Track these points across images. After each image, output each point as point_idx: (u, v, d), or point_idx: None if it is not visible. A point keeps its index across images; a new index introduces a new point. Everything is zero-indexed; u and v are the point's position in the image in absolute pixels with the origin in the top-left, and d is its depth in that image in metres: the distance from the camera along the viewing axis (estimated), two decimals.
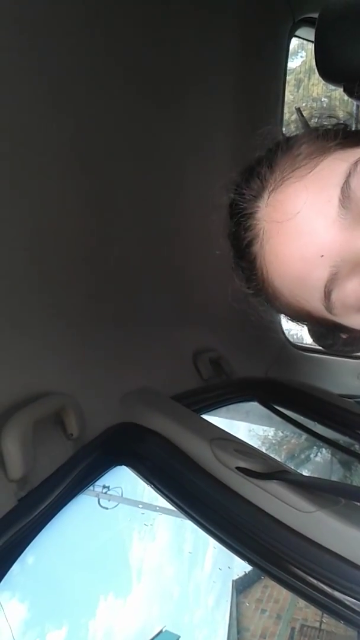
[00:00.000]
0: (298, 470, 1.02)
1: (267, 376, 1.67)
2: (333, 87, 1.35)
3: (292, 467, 1.00)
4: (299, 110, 0.87)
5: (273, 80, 1.62)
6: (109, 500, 1.46)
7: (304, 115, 0.83)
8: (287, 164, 0.69)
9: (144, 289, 1.27)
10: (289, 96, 1.68)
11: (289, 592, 0.84)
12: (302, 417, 1.49)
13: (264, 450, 1.07)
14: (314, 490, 0.87)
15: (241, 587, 1.92)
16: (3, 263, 0.91)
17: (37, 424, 0.84)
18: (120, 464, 1.05)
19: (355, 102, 1.34)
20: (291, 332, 1.80)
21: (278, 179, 0.69)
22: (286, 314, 0.78)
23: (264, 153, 0.74)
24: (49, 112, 0.96)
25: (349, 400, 1.53)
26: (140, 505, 1.51)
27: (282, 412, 1.50)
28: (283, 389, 1.58)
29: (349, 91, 1.28)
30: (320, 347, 0.84)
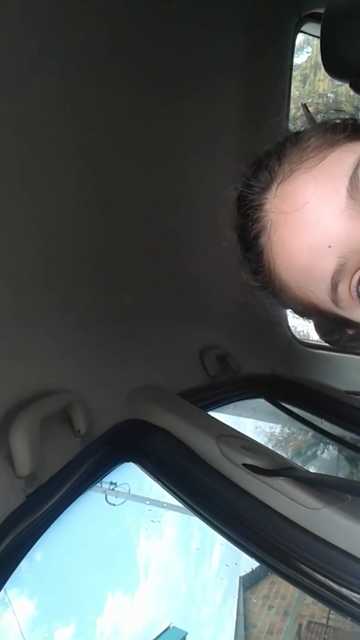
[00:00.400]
0: (305, 467, 1.02)
1: (274, 373, 1.66)
2: (339, 83, 1.34)
3: (299, 464, 1.00)
4: (305, 106, 0.86)
5: (279, 76, 1.62)
6: (116, 497, 1.47)
7: (310, 111, 0.83)
8: (295, 156, 0.69)
9: (151, 287, 1.27)
10: (295, 92, 1.67)
11: (296, 588, 0.84)
12: (308, 414, 1.49)
13: (270, 447, 1.07)
14: (321, 487, 0.87)
15: (248, 583, 1.92)
16: (11, 262, 0.91)
17: (44, 421, 0.84)
18: (128, 461, 1.05)
19: None
20: (297, 329, 1.80)
21: (287, 171, 0.69)
22: (292, 308, 0.78)
23: (273, 146, 0.74)
24: (55, 113, 0.96)
25: (355, 396, 1.52)
26: (148, 502, 1.51)
27: (288, 409, 1.50)
28: (289, 386, 1.58)
29: (355, 86, 1.28)
30: (326, 344, 0.84)
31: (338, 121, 0.73)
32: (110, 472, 1.03)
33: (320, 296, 0.69)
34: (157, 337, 1.28)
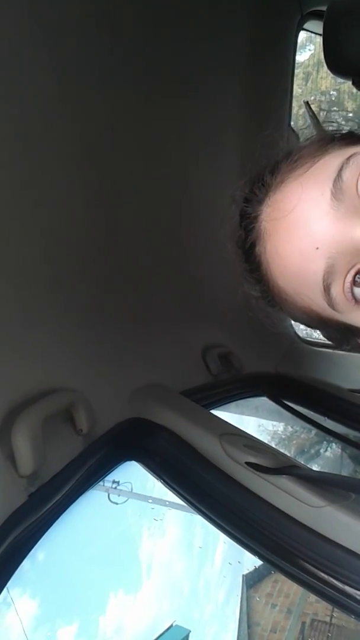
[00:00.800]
0: (308, 465, 1.02)
1: (277, 371, 1.66)
2: (342, 80, 1.34)
3: (302, 462, 1.00)
4: (307, 103, 0.86)
5: (281, 74, 1.61)
6: (118, 496, 1.47)
7: (313, 108, 0.83)
8: (287, 167, 0.71)
9: (153, 286, 1.27)
10: (297, 90, 1.67)
11: (300, 586, 0.84)
12: (311, 412, 1.49)
13: (273, 445, 1.07)
14: (324, 485, 0.87)
15: (251, 581, 1.92)
16: (15, 261, 0.91)
17: (47, 420, 0.84)
18: (130, 459, 1.05)
19: None
20: (300, 327, 1.80)
21: (277, 182, 0.71)
22: (297, 318, 0.79)
23: (270, 162, 0.75)
24: (58, 113, 0.96)
25: (359, 394, 1.52)
26: (150, 500, 1.51)
27: (291, 407, 1.50)
28: (292, 384, 1.58)
29: (357, 84, 1.27)
30: (329, 342, 0.84)
31: (330, 130, 0.74)
32: (112, 470, 1.03)
33: (318, 301, 0.69)
34: (160, 336, 1.28)
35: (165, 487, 1.02)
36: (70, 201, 1.02)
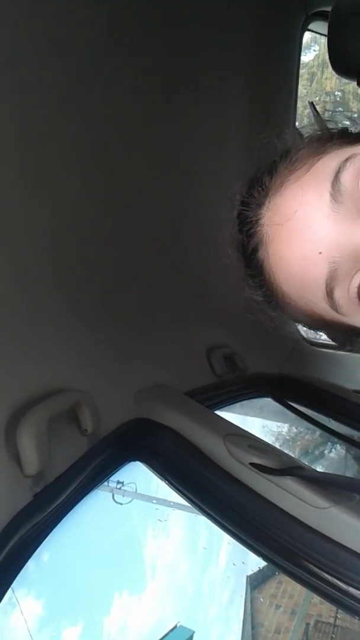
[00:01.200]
0: (312, 466, 1.02)
1: (281, 372, 1.66)
2: (346, 81, 1.34)
3: (306, 463, 0.99)
4: (312, 104, 0.86)
5: (286, 74, 1.61)
6: (123, 496, 1.47)
7: (317, 109, 0.83)
8: (286, 169, 0.71)
9: (158, 286, 1.27)
10: (302, 90, 1.67)
11: (304, 587, 0.84)
12: (316, 413, 1.49)
13: (277, 446, 1.07)
14: (329, 486, 0.87)
15: (255, 582, 1.92)
16: (19, 262, 0.91)
17: (52, 420, 0.84)
18: (134, 460, 1.05)
19: None
20: (304, 328, 1.79)
21: (277, 184, 0.70)
22: (300, 321, 0.78)
23: (266, 164, 0.75)
24: (62, 112, 0.96)
25: None
26: (154, 501, 1.51)
27: (295, 408, 1.49)
28: (297, 385, 1.57)
29: None
30: (333, 343, 0.84)
31: (328, 130, 0.74)
32: (117, 471, 1.03)
33: (321, 305, 0.69)
34: (164, 337, 1.28)
35: (170, 487, 1.02)
36: (75, 202, 1.03)
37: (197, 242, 1.36)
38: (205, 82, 1.31)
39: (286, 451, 1.04)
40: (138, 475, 1.15)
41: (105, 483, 1.02)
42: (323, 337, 0.82)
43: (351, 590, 0.77)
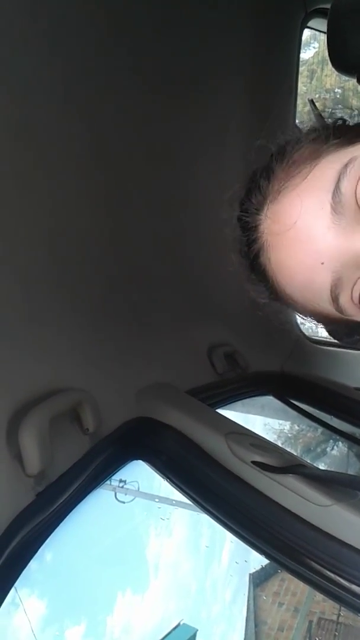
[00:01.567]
0: (314, 464, 1.02)
1: (282, 370, 1.66)
2: (346, 78, 1.34)
3: (309, 461, 1.00)
4: (312, 101, 0.86)
5: (286, 72, 1.61)
6: (125, 495, 1.47)
7: (317, 106, 0.82)
8: (282, 173, 0.70)
9: (159, 285, 1.27)
10: (302, 87, 1.67)
11: (306, 585, 0.84)
12: (317, 411, 1.49)
13: (279, 444, 1.07)
14: (331, 483, 0.87)
15: (258, 580, 1.92)
16: (20, 262, 0.91)
17: (53, 420, 0.84)
18: (137, 459, 1.05)
19: None
20: (306, 326, 1.79)
21: (274, 190, 0.70)
22: (306, 317, 0.79)
23: (262, 165, 0.74)
24: (62, 112, 0.96)
25: None
26: (157, 499, 1.51)
27: (297, 406, 1.49)
28: (298, 383, 1.57)
29: None
30: (335, 340, 0.84)
31: (325, 125, 0.73)
32: (119, 470, 1.03)
33: (326, 307, 0.70)
34: (166, 335, 1.28)
35: (172, 486, 1.02)
36: (76, 201, 1.03)
37: (198, 241, 1.36)
38: (205, 80, 1.31)
39: (288, 449, 1.04)
40: (140, 474, 1.15)
41: (108, 482, 1.02)
42: (324, 334, 0.82)
43: (354, 587, 0.77)
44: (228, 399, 1.39)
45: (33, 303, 0.94)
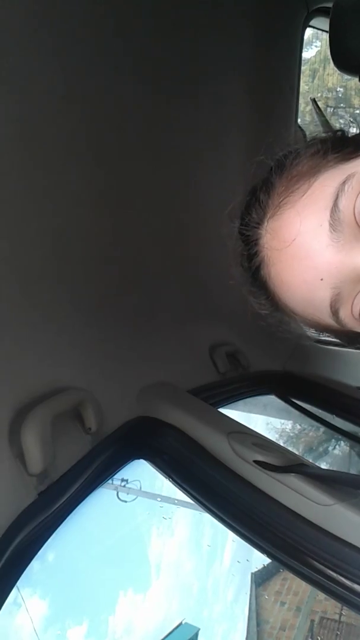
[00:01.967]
0: (316, 463, 1.02)
1: (285, 369, 1.66)
2: (348, 77, 1.34)
3: (310, 460, 0.99)
4: (314, 100, 0.86)
5: (288, 71, 1.61)
6: (127, 494, 1.47)
7: (319, 105, 0.82)
8: (282, 188, 0.70)
9: (161, 284, 1.27)
10: (304, 86, 1.67)
11: (308, 584, 0.84)
12: (320, 410, 1.49)
13: (281, 444, 1.07)
14: (333, 483, 0.87)
15: (260, 579, 1.92)
16: (22, 261, 0.91)
17: (55, 419, 0.85)
18: (139, 458, 1.05)
19: None
20: (321, 335, 1.79)
21: (274, 205, 0.70)
22: (309, 328, 0.79)
23: (262, 178, 0.75)
24: (63, 112, 0.96)
25: None
26: (159, 499, 1.51)
27: (299, 405, 1.49)
28: (300, 382, 1.57)
29: None
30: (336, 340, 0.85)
31: (324, 138, 0.73)
32: (121, 469, 1.03)
33: (327, 320, 0.71)
34: (167, 334, 1.28)
35: (174, 485, 1.02)
36: (77, 201, 1.03)
37: (200, 240, 1.36)
38: (207, 79, 1.31)
39: (290, 448, 1.04)
40: (142, 473, 1.15)
41: (110, 481, 1.02)
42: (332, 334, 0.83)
43: (356, 587, 0.77)
44: (230, 398, 1.39)
45: (35, 303, 0.94)
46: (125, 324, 1.16)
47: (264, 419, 1.72)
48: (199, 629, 1.65)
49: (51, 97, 0.93)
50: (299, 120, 1.65)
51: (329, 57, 1.29)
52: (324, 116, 0.78)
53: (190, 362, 1.37)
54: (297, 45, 1.62)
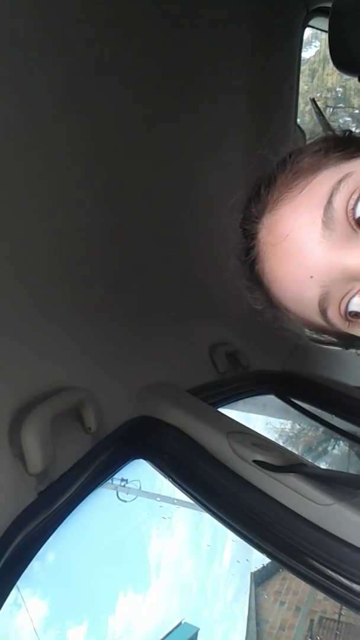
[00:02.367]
0: (315, 463, 1.02)
1: (284, 369, 1.66)
2: (348, 77, 1.34)
3: (310, 460, 1.00)
4: (313, 100, 0.87)
5: (287, 71, 1.61)
6: (127, 494, 1.47)
7: (319, 105, 0.83)
8: (282, 184, 0.71)
9: (161, 284, 1.27)
10: (303, 86, 1.67)
11: (308, 584, 0.84)
12: (319, 410, 1.49)
13: (281, 443, 1.07)
14: (332, 482, 0.87)
15: (260, 579, 1.92)
16: (22, 261, 0.91)
17: (55, 419, 0.85)
18: (138, 458, 1.05)
19: None
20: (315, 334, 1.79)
21: (273, 200, 0.71)
22: (301, 326, 0.79)
23: (266, 173, 0.75)
24: (64, 112, 0.96)
25: None
26: (159, 498, 1.52)
27: (299, 405, 1.49)
28: (300, 382, 1.57)
29: None
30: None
31: (327, 138, 0.74)
32: (121, 468, 1.03)
33: (317, 319, 0.71)
34: (167, 334, 1.28)
35: (173, 485, 1.02)
36: (78, 200, 1.03)
37: (200, 240, 1.36)
38: (206, 79, 1.31)
39: (289, 448, 1.04)
40: (142, 473, 1.16)
41: (110, 481, 1.02)
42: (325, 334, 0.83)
43: (355, 587, 0.77)
44: (229, 398, 1.39)
45: (35, 302, 0.94)
46: (126, 323, 1.16)
47: (264, 419, 1.73)
48: (199, 629, 1.65)
49: (51, 97, 0.93)
50: (298, 120, 1.65)
51: (328, 57, 1.29)
52: (323, 116, 0.78)
53: (189, 361, 1.37)
54: (297, 45, 1.62)
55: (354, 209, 0.62)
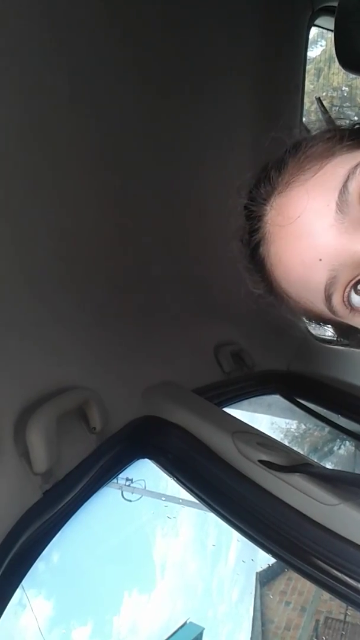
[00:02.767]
0: (321, 463, 1.02)
1: (289, 369, 1.66)
2: (354, 76, 1.33)
3: (315, 460, 0.99)
4: (319, 99, 0.86)
5: (293, 70, 1.61)
6: (132, 493, 1.47)
7: (325, 104, 0.82)
8: (294, 167, 0.70)
9: (166, 284, 1.27)
10: (309, 85, 1.66)
11: (313, 584, 0.84)
12: (324, 410, 1.48)
13: (286, 443, 1.07)
14: (338, 482, 0.87)
15: (265, 579, 1.92)
16: (28, 261, 0.92)
17: (60, 418, 0.85)
18: (143, 457, 1.05)
19: None
20: (312, 325, 1.79)
21: (284, 182, 0.70)
22: (299, 315, 0.79)
23: (276, 157, 0.74)
24: (69, 111, 0.96)
25: None
26: (164, 498, 1.52)
27: (304, 405, 1.49)
28: (305, 382, 1.57)
29: None
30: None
31: (340, 127, 0.73)
32: (126, 468, 1.03)
33: (319, 306, 0.70)
34: (172, 334, 1.28)
35: (178, 484, 1.02)
36: (83, 200, 1.03)
37: (204, 239, 1.36)
38: (211, 79, 1.31)
39: (295, 448, 1.03)
40: (147, 473, 1.16)
41: (114, 480, 1.02)
42: (330, 333, 0.82)
43: None
44: (235, 398, 1.38)
45: (40, 302, 0.94)
46: (130, 323, 1.16)
47: (269, 419, 1.73)
48: (204, 629, 1.65)
49: (55, 97, 0.93)
50: (304, 119, 1.65)
51: (334, 56, 1.29)
52: (329, 115, 0.77)
53: (195, 361, 1.37)
54: (302, 44, 1.61)
55: None
